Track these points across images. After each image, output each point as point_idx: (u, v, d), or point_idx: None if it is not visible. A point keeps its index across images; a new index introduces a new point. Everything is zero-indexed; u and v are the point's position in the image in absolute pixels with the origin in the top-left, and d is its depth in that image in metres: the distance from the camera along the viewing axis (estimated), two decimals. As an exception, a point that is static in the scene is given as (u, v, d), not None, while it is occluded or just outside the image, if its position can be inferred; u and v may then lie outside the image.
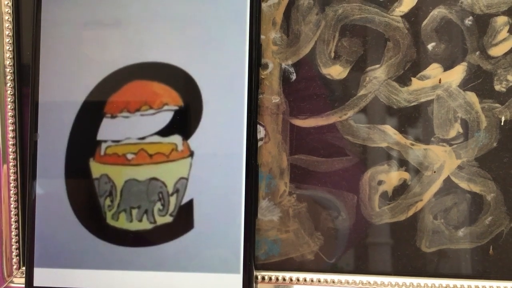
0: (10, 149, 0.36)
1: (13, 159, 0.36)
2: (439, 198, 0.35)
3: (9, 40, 0.36)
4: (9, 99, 0.36)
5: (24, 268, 0.36)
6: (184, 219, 0.34)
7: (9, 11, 0.35)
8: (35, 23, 0.35)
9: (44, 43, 0.35)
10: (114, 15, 0.34)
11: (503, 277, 0.34)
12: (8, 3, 0.36)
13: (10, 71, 0.36)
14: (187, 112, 0.34)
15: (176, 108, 0.34)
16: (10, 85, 0.36)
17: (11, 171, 0.36)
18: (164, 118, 0.34)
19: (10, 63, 0.36)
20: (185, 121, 0.34)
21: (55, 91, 0.35)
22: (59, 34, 0.35)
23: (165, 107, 0.34)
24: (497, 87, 0.34)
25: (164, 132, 0.34)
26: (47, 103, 0.35)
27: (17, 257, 0.37)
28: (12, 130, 0.36)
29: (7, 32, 0.36)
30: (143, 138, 0.34)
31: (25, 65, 0.36)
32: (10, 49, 0.36)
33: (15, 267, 0.37)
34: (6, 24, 0.35)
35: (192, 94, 0.34)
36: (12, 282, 0.37)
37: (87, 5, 0.35)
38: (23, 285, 0.35)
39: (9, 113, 0.36)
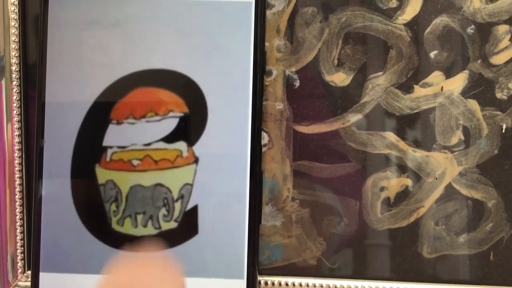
0: (16, 154, 0.36)
1: (19, 164, 0.36)
2: (440, 204, 0.35)
3: (15, 46, 0.36)
4: (15, 104, 0.36)
5: (29, 272, 0.37)
6: (188, 224, 0.34)
7: (15, 17, 0.36)
8: (41, 26, 0.35)
9: (51, 47, 0.35)
10: (120, 21, 0.35)
11: (504, 283, 0.35)
12: (14, 9, 0.36)
13: (16, 76, 0.36)
14: (192, 119, 0.34)
15: (181, 114, 0.34)
16: (16, 90, 0.36)
17: (17, 175, 0.36)
18: (170, 124, 0.34)
19: (16, 68, 0.36)
20: (190, 127, 0.34)
21: (61, 96, 0.35)
22: (65, 38, 0.35)
23: (171, 114, 0.34)
24: (499, 95, 0.34)
25: (169, 138, 0.34)
26: (53, 108, 0.35)
27: (22, 261, 0.37)
28: (18, 135, 0.36)
29: (13, 38, 0.36)
30: (148, 144, 0.34)
31: (31, 67, 0.36)
32: (17, 55, 0.36)
33: (20, 271, 0.37)
34: (13, 30, 0.36)
35: (197, 101, 0.34)
36: (17, 286, 0.37)
37: (94, 10, 0.35)
38: (28, 289, 0.36)
39: (15, 118, 0.36)
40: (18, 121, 0.36)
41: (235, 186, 0.33)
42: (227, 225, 0.33)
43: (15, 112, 0.36)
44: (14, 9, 0.36)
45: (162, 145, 0.34)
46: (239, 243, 0.33)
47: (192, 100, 0.34)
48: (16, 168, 0.36)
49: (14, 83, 0.36)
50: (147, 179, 0.34)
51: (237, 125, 0.34)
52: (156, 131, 0.34)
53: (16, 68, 0.36)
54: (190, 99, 0.34)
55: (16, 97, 0.36)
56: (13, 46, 0.36)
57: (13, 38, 0.36)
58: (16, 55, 0.36)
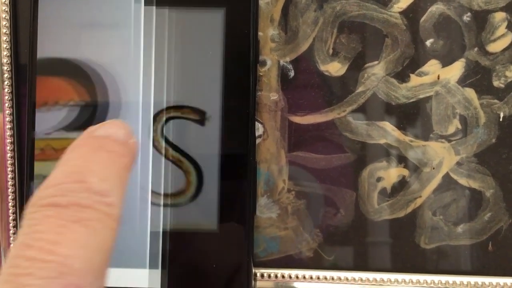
0: (8, 147, 0.36)
1: (11, 157, 0.36)
2: (438, 194, 0.34)
3: (6, 38, 0.35)
4: (6, 97, 0.36)
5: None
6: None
7: (6, 9, 0.35)
8: (31, 25, 0.35)
9: (41, 43, 0.35)
10: (112, 17, 0.34)
11: (502, 273, 0.34)
12: (5, 1, 0.35)
13: (8, 69, 0.36)
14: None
15: (83, 103, 0.34)
16: (7, 83, 0.36)
17: (9, 169, 0.36)
18: (71, 113, 0.34)
19: (7, 60, 0.36)
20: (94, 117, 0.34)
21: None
22: (57, 34, 0.35)
23: (72, 103, 0.34)
24: (496, 83, 0.34)
25: (70, 127, 0.34)
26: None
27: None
28: (10, 128, 0.36)
29: (4, 30, 0.35)
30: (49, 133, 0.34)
31: (22, 65, 0.36)
32: (7, 47, 0.35)
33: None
34: (4, 22, 0.35)
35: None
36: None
37: (85, 6, 0.34)
38: None
39: (7, 111, 0.36)
40: (10, 113, 0.36)
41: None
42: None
43: (7, 105, 0.36)
44: (5, 1, 0.35)
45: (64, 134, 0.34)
46: (234, 235, 0.33)
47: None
48: (9, 162, 0.36)
49: (6, 75, 0.36)
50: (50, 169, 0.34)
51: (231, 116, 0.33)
52: (58, 120, 0.34)
53: (7, 61, 0.35)
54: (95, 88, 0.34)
55: (8, 89, 0.36)
56: (4, 37, 0.35)
57: (4, 30, 0.35)
58: (7, 47, 0.35)
